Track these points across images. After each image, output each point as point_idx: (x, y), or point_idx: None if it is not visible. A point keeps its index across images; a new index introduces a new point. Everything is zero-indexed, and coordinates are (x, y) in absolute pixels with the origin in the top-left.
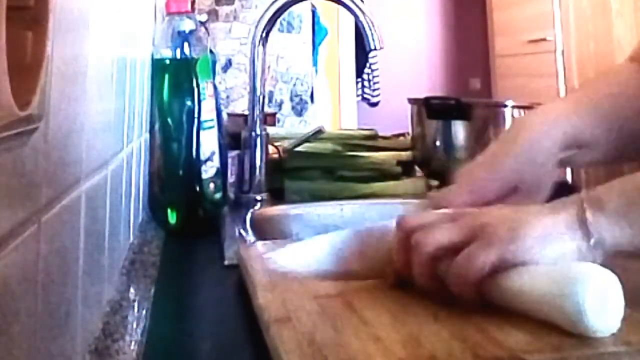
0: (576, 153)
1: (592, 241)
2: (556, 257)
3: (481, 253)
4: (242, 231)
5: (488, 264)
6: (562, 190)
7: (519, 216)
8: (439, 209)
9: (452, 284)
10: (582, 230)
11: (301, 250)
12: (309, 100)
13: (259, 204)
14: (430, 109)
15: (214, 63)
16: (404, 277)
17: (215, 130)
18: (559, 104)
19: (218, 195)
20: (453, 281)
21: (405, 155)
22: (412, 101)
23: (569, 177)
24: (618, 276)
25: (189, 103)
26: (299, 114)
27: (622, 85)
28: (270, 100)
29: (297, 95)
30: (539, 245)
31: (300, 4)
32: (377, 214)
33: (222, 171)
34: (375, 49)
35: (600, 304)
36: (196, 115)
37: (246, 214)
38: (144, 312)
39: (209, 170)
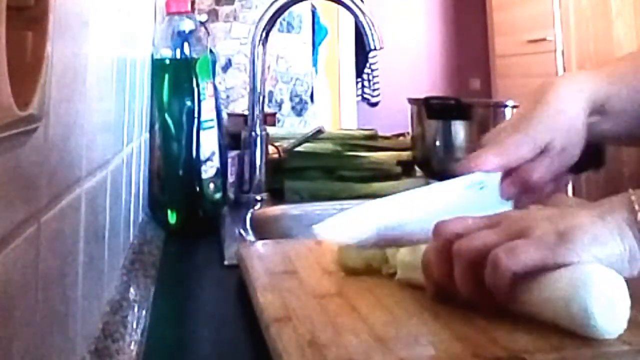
0: (601, 120)
1: None
2: (606, 259)
3: (528, 249)
4: (242, 231)
5: (531, 262)
6: (591, 153)
7: (567, 220)
8: (469, 172)
9: (487, 276)
10: (633, 230)
11: (352, 218)
12: (309, 100)
13: (259, 204)
14: (430, 109)
15: (214, 63)
16: (444, 288)
17: (215, 130)
18: (583, 73)
19: (218, 195)
20: (488, 272)
21: (405, 155)
22: (412, 101)
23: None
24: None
25: (189, 103)
26: (299, 114)
27: None
28: (270, 100)
29: (297, 95)
30: (589, 247)
31: (300, 4)
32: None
33: (222, 171)
34: (375, 49)
35: (608, 307)
36: (196, 115)
37: (246, 214)
38: (144, 312)
39: (209, 170)
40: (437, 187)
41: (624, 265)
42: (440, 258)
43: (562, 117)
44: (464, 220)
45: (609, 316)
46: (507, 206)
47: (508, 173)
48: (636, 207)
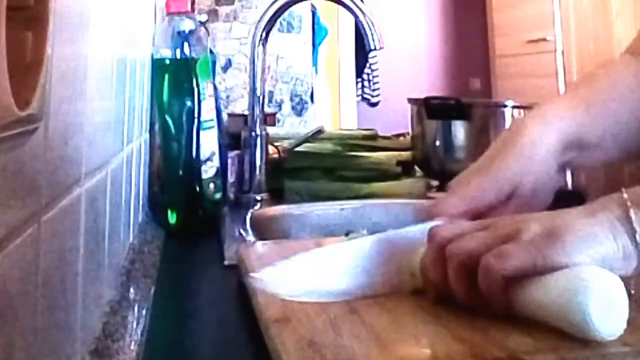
0: (578, 155)
1: (637, 238)
2: (599, 259)
3: (518, 253)
4: (242, 231)
5: (522, 265)
6: (564, 197)
7: (557, 220)
8: (432, 219)
9: (480, 281)
10: (626, 228)
11: (299, 267)
12: (309, 100)
13: (259, 204)
14: (430, 109)
15: (214, 63)
16: (442, 292)
17: (215, 130)
18: (557, 103)
19: (218, 195)
20: (480, 278)
21: (405, 155)
22: (412, 101)
23: (569, 181)
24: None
25: (189, 103)
26: (299, 114)
27: (624, 80)
28: (270, 100)
29: (297, 95)
30: (581, 247)
31: (300, 4)
32: (377, 214)
33: (222, 171)
34: (375, 49)
35: (606, 309)
36: (196, 115)
37: (246, 214)
38: (144, 312)
39: (209, 170)
40: (399, 235)
41: (617, 264)
42: (435, 261)
43: (531, 159)
44: (458, 224)
45: (607, 318)
46: None
47: (475, 218)
48: (628, 203)
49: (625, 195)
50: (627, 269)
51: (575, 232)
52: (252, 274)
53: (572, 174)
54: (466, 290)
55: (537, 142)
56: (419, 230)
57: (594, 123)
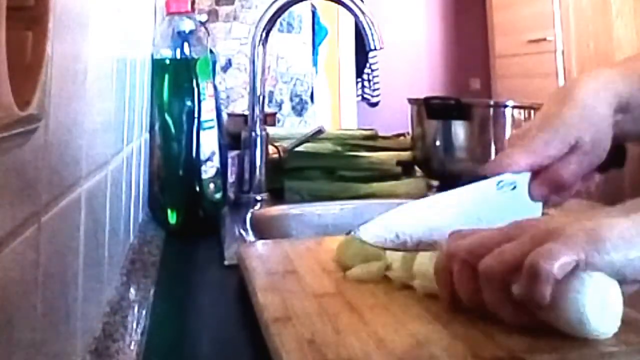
0: (623, 118)
1: None
2: (636, 260)
3: (565, 250)
4: (242, 231)
5: (570, 264)
6: (613, 152)
7: (591, 221)
8: (499, 173)
9: (523, 288)
10: None
11: (397, 220)
12: (309, 100)
13: (259, 204)
14: (430, 109)
15: (214, 63)
16: (462, 302)
17: (215, 130)
18: (609, 69)
19: (218, 195)
20: (526, 284)
21: (405, 155)
22: (412, 101)
23: None
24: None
25: (189, 103)
26: (299, 114)
27: None
28: (270, 100)
29: (297, 95)
30: (620, 247)
31: (300, 4)
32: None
33: (222, 171)
34: (375, 49)
35: (601, 308)
36: (196, 115)
37: (246, 214)
38: (144, 312)
39: (209, 170)
40: (470, 189)
41: None
42: (463, 278)
43: (590, 113)
44: (478, 234)
45: (602, 317)
46: (538, 206)
47: (538, 173)
48: None
49: None
50: None
51: (613, 232)
52: (355, 230)
53: None
54: (504, 304)
55: (595, 97)
56: (488, 183)
57: (636, 91)
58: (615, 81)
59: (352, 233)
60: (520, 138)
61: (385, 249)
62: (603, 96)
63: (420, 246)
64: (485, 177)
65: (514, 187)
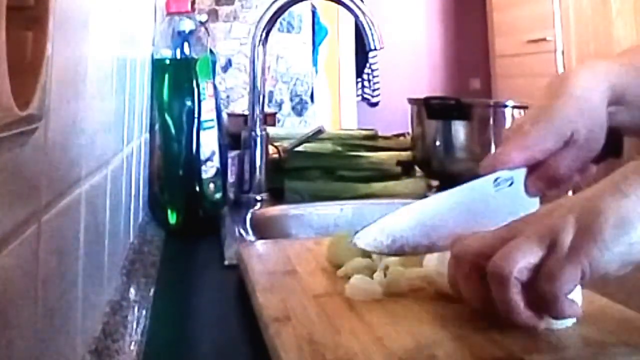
0: (618, 109)
1: None
2: (635, 242)
3: (565, 270)
4: (242, 231)
5: (574, 281)
6: (609, 141)
7: (589, 207)
8: (495, 170)
9: (542, 305)
10: None
11: (392, 225)
12: (309, 100)
13: (259, 204)
14: (430, 109)
15: (214, 63)
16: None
17: (215, 130)
18: (605, 60)
19: (218, 195)
20: (535, 301)
21: (405, 155)
22: (412, 101)
23: None
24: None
25: (189, 103)
26: (299, 114)
27: None
28: (270, 100)
29: (297, 95)
30: (618, 238)
31: (300, 4)
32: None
33: (222, 171)
34: (375, 49)
35: None
36: (196, 115)
37: (246, 214)
38: (144, 312)
39: (209, 170)
40: (467, 189)
41: None
42: (471, 280)
43: (584, 105)
44: (482, 237)
45: None
46: (536, 201)
47: (533, 167)
48: None
49: None
50: None
51: (609, 223)
52: (353, 238)
53: None
54: (518, 307)
55: (589, 88)
56: (484, 182)
57: (632, 83)
58: (610, 72)
59: (350, 240)
60: (515, 132)
61: (383, 254)
62: (597, 87)
63: (418, 250)
64: (481, 176)
65: (512, 183)
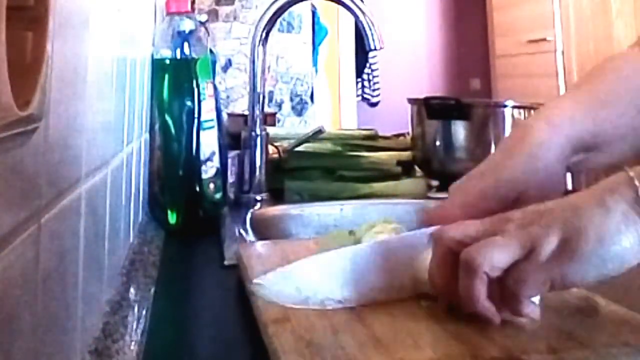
0: (585, 157)
1: None
2: (616, 257)
3: (535, 274)
4: (242, 231)
5: (541, 288)
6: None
7: (572, 221)
8: (432, 225)
9: (500, 299)
10: (637, 210)
11: (299, 273)
12: (309, 100)
13: (259, 204)
14: (430, 109)
15: (214, 63)
16: (451, 298)
17: (215, 130)
18: (563, 103)
19: (218, 195)
20: (500, 298)
21: (405, 155)
22: (412, 101)
23: (569, 182)
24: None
25: (189, 103)
26: (299, 114)
27: (633, 78)
28: (270, 100)
29: (297, 95)
30: (597, 253)
31: (300, 4)
32: (377, 214)
33: (222, 171)
34: (375, 49)
35: None
36: (196, 115)
37: (246, 214)
38: (144, 312)
39: (209, 170)
40: (398, 240)
41: (631, 254)
42: (443, 266)
43: (538, 164)
44: (465, 225)
45: None
46: None
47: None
48: (637, 182)
49: (631, 174)
50: None
51: (590, 238)
52: (253, 281)
53: (572, 175)
54: (483, 301)
55: (545, 144)
56: (418, 235)
57: (602, 125)
58: (572, 121)
59: (250, 285)
60: (461, 188)
61: (285, 305)
62: (556, 143)
63: (327, 304)
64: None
65: None
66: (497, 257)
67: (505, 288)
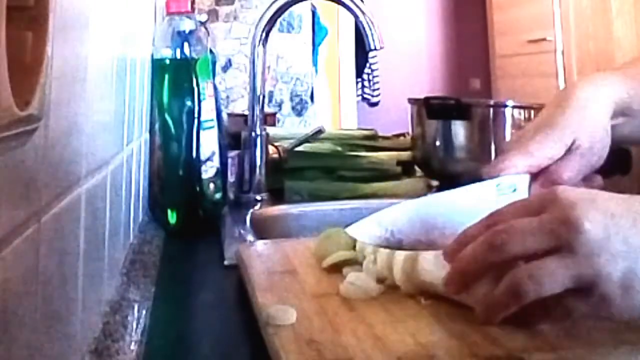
0: (624, 121)
1: None
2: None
3: (560, 271)
4: (242, 231)
5: (564, 285)
6: (617, 158)
7: (613, 227)
8: (497, 176)
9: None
10: None
11: (390, 218)
12: (309, 100)
13: (259, 204)
14: (430, 109)
15: (214, 63)
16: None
17: (215, 130)
18: (607, 73)
19: (218, 195)
20: (519, 290)
21: (405, 155)
22: (412, 101)
23: None
24: None
25: (189, 103)
26: (299, 114)
27: None
28: (270, 100)
29: (297, 95)
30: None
31: (300, 4)
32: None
33: (222, 171)
34: (375, 49)
35: None
36: (196, 115)
37: (246, 214)
38: (144, 312)
39: (209, 170)
40: (469, 190)
41: None
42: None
43: (586, 115)
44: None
45: None
46: None
47: (537, 175)
48: None
49: None
50: None
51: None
52: (346, 229)
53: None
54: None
55: (590, 98)
56: (485, 186)
57: (636, 94)
58: (614, 85)
59: (346, 231)
60: (518, 141)
61: (379, 246)
62: (600, 100)
63: (417, 246)
64: (483, 179)
65: (514, 190)
66: (547, 288)
67: (513, 277)
